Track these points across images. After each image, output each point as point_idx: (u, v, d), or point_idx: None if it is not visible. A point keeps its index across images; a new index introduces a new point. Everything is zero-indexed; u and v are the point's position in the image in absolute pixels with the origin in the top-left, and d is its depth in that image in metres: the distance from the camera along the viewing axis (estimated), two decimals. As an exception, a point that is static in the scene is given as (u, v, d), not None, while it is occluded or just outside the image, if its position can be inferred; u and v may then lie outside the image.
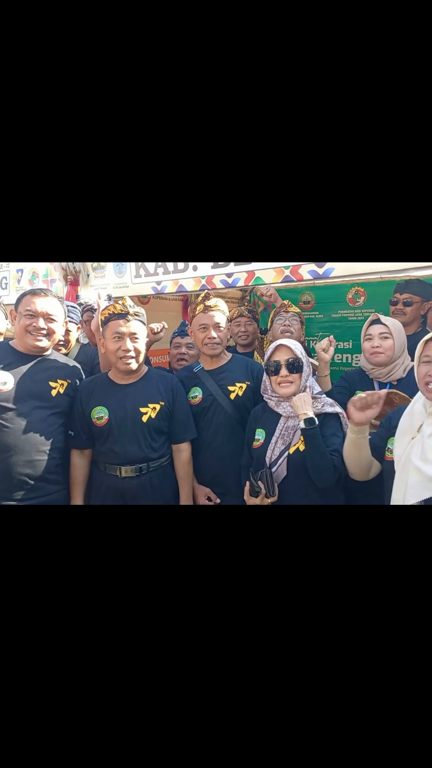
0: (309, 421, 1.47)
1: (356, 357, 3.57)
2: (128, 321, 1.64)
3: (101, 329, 1.72)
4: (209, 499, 1.84)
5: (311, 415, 1.48)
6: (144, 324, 1.71)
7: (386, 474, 1.40)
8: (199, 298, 1.90)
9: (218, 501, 1.83)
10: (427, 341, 1.24)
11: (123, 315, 1.64)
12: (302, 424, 1.48)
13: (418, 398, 1.30)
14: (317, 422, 1.48)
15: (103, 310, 1.69)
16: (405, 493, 1.20)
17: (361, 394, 1.33)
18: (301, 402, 1.52)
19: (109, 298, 2.54)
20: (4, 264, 3.41)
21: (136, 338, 1.66)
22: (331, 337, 1.81)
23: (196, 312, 1.87)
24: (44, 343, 1.60)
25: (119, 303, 1.66)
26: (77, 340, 2.26)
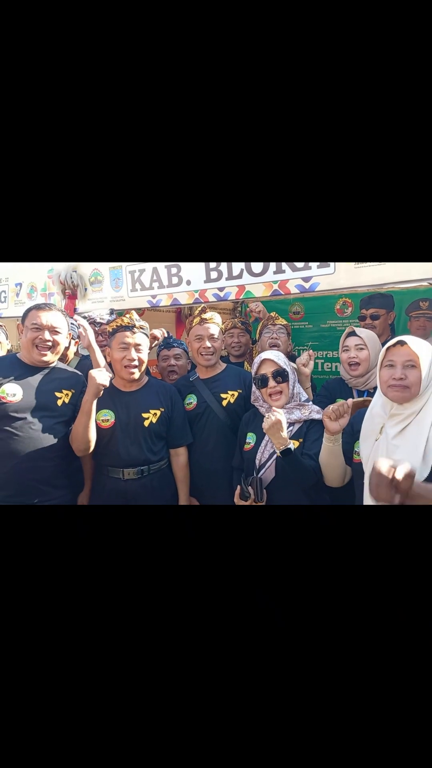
0: (285, 452, 1.53)
1: (343, 366, 3.69)
2: (134, 333, 1.77)
3: (108, 339, 1.84)
4: None
5: (288, 445, 1.54)
6: (147, 336, 1.84)
7: (356, 475, 1.50)
8: (196, 311, 2.03)
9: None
10: (389, 347, 1.34)
11: (129, 327, 1.77)
12: (278, 452, 1.55)
13: (376, 401, 1.39)
14: (293, 448, 1.55)
15: (111, 322, 1.83)
16: None
17: (332, 406, 1.46)
18: (275, 432, 1.52)
19: (112, 312, 2.64)
20: (3, 278, 3.50)
21: (140, 349, 1.79)
22: (310, 351, 1.94)
23: (193, 324, 2.00)
24: (49, 356, 1.71)
25: (126, 316, 1.79)
26: (75, 353, 2.35)
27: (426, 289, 3.12)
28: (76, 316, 2.07)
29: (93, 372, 1.64)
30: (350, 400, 1.48)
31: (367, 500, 1.32)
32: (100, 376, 1.63)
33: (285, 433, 1.54)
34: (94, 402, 1.66)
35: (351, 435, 1.53)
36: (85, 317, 2.74)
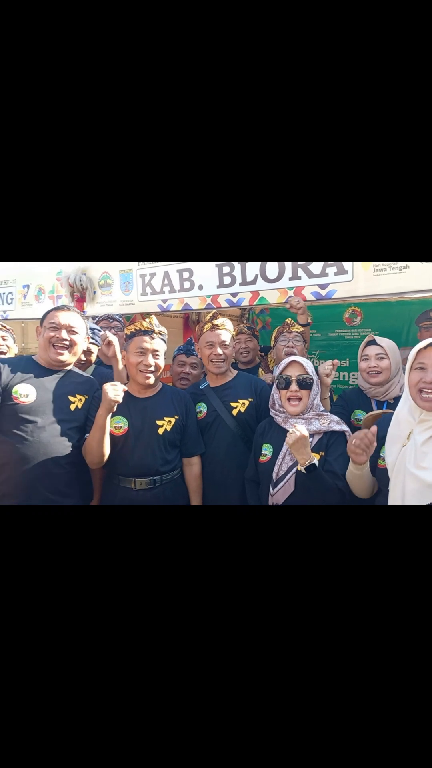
0: (310, 467, 1.45)
1: (353, 375, 3.65)
2: (153, 338, 1.74)
3: (125, 343, 1.81)
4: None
5: (313, 461, 1.46)
6: (165, 343, 1.81)
7: (380, 482, 1.44)
8: (207, 317, 1.99)
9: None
10: (420, 349, 1.30)
11: (148, 332, 1.74)
12: (301, 469, 1.47)
13: (403, 406, 1.34)
14: (317, 463, 1.48)
15: (129, 326, 1.80)
16: (402, 500, 1.25)
17: (355, 440, 1.36)
18: (299, 447, 1.44)
19: (121, 317, 2.60)
20: (11, 279, 3.47)
21: (158, 355, 1.75)
22: (335, 360, 1.89)
23: (204, 330, 1.96)
24: (66, 356, 1.67)
25: (146, 321, 1.77)
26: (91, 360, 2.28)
27: (436, 300, 3.09)
28: (106, 331, 2.03)
29: (107, 386, 1.58)
30: (374, 429, 1.38)
31: (392, 501, 1.29)
32: (113, 391, 1.57)
33: (309, 449, 1.47)
34: (108, 416, 1.61)
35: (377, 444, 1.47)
36: (96, 317, 2.71)
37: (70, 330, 1.66)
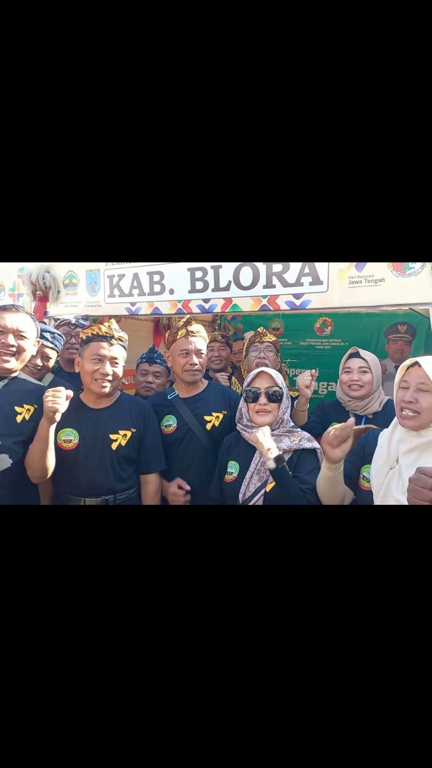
0: (278, 459, 1.40)
1: (322, 384, 3.65)
2: (111, 345, 1.61)
3: (80, 348, 1.67)
4: (181, 488, 1.74)
5: (278, 452, 1.41)
6: (125, 349, 1.68)
7: (362, 503, 1.38)
8: (181, 323, 1.87)
9: (188, 488, 1.74)
10: (403, 367, 1.25)
11: (107, 338, 1.60)
12: (271, 464, 1.40)
13: (394, 423, 1.29)
14: (285, 459, 1.42)
15: (86, 329, 1.64)
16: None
17: (333, 431, 1.25)
18: (263, 437, 1.42)
19: (87, 317, 2.45)
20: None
21: (116, 363, 1.62)
22: (313, 371, 1.82)
23: (177, 337, 1.84)
24: (12, 363, 1.51)
25: (104, 324, 1.62)
26: (44, 367, 2.12)
27: (405, 313, 3.12)
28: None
29: (48, 393, 1.42)
30: (352, 420, 1.29)
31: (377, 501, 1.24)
32: (51, 398, 1.39)
33: (270, 440, 1.42)
34: (51, 427, 1.44)
35: (362, 458, 1.40)
36: (58, 320, 2.56)
37: (18, 335, 1.49)
